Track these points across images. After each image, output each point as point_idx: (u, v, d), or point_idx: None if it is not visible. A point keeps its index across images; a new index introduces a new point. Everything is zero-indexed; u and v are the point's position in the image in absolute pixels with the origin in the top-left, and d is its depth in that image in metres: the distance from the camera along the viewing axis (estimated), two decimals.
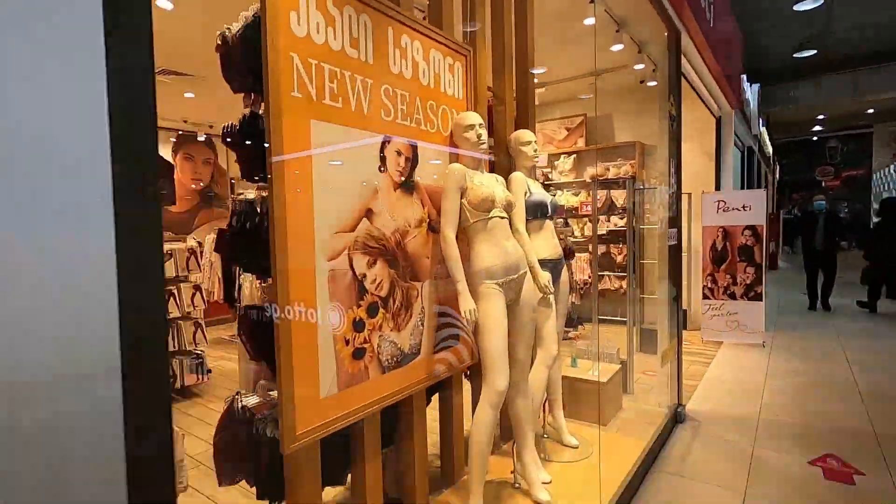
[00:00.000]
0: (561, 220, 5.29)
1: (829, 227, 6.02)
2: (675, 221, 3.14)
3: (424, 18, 1.91)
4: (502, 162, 2.22)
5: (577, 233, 5.58)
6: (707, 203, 4.97)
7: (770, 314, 5.77)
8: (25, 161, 0.45)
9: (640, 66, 4.03)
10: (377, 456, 1.62)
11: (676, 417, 2.95)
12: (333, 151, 1.36)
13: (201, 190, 6.39)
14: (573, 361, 3.04)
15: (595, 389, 2.79)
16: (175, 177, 6.46)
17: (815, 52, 8.54)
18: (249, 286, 2.19)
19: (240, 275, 2.16)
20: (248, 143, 1.49)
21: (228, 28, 1.47)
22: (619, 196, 5.12)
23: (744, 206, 4.79)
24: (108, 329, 0.49)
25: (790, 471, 2.37)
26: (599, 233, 5.37)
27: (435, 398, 2.03)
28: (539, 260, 2.02)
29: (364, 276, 1.48)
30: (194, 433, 2.81)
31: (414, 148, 1.67)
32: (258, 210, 1.49)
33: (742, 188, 7.44)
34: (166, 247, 3.11)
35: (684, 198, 5.06)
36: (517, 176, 2.09)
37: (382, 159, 1.55)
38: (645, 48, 3.63)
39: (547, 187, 5.83)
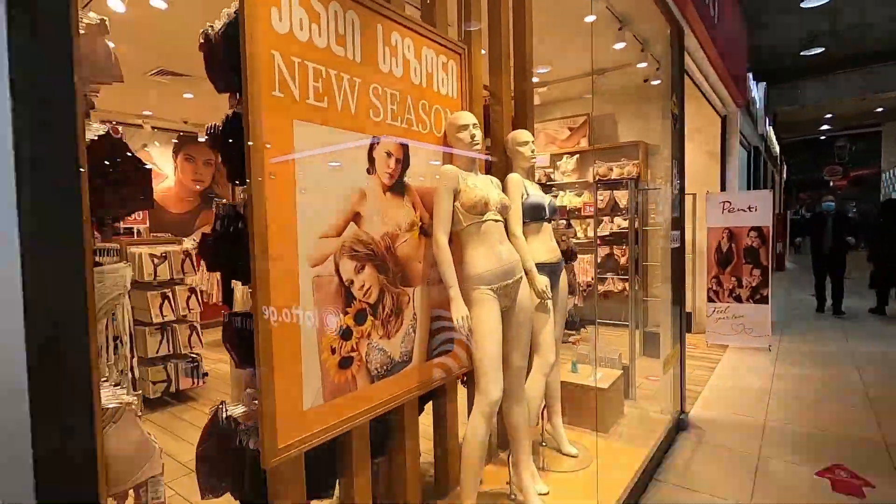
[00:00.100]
0: (563, 221, 5.22)
1: (839, 229, 5.88)
2: (678, 223, 3.07)
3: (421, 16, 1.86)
4: (500, 163, 2.16)
5: (580, 234, 5.51)
6: (712, 204, 4.88)
7: (776, 316, 5.66)
8: None
9: (643, 65, 3.96)
10: (366, 467, 1.57)
11: (679, 425, 2.88)
12: (318, 153, 1.31)
13: (202, 191, 6.38)
14: (573, 366, 2.97)
15: (597, 396, 2.72)
16: (176, 178, 6.46)
17: (823, 49, 8.40)
18: (242, 292, 2.14)
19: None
20: (232, 143, 1.44)
21: (211, 26, 1.43)
22: (623, 197, 5.04)
23: (750, 207, 4.70)
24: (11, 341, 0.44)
25: (797, 482, 2.29)
26: (603, 234, 5.30)
27: (429, 406, 1.98)
28: (536, 264, 1.96)
29: (351, 281, 1.43)
30: (186, 438, 2.77)
31: (405, 149, 1.62)
32: (242, 214, 1.44)
33: (748, 188, 7.33)
34: (161, 249, 3.08)
35: (688, 198, 4.98)
36: (513, 177, 2.03)
37: (371, 161, 1.50)
38: (648, 46, 3.56)
39: (549, 188, 5.80)
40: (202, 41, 1.45)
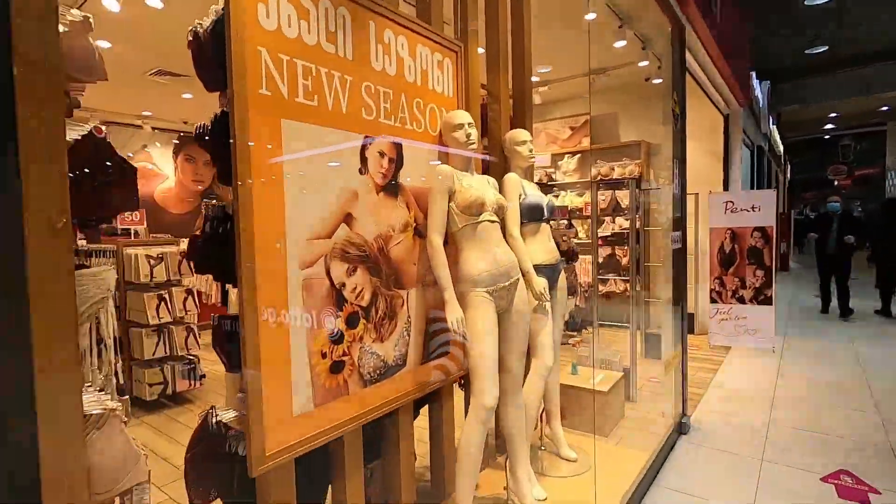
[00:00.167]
0: (564, 221, 5.18)
1: (844, 230, 5.78)
2: (679, 224, 3.03)
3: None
4: (498, 163, 2.12)
5: (581, 234, 5.46)
6: (714, 204, 4.83)
7: (780, 317, 5.61)
8: None
9: (644, 63, 3.91)
10: (359, 472, 1.54)
11: (681, 428, 2.83)
12: (307, 152, 1.28)
13: (203, 192, 6.36)
14: (573, 368, 2.93)
15: (597, 399, 2.69)
16: (177, 178, 6.45)
17: (827, 48, 8.33)
18: (236, 294, 2.12)
19: None
20: (221, 143, 1.41)
21: (200, 23, 1.40)
22: (625, 197, 4.99)
23: (753, 207, 4.65)
24: None
25: (801, 488, 2.24)
26: (605, 234, 5.25)
27: (426, 409, 1.95)
28: (534, 265, 1.93)
29: (343, 284, 1.40)
30: (182, 441, 2.75)
31: (398, 148, 1.58)
32: (231, 215, 1.41)
33: (751, 188, 7.27)
34: (158, 250, 3.06)
35: (691, 198, 4.93)
36: (511, 177, 1.99)
37: (363, 161, 1.46)
38: (649, 44, 3.52)
39: (551, 188, 5.75)
40: (191, 39, 1.43)
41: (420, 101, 1.68)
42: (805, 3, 6.47)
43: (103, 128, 1.12)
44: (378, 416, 1.52)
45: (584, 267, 4.95)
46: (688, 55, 3.37)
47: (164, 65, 3.86)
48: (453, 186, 1.65)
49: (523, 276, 1.84)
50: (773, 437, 2.76)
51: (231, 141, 1.12)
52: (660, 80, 3.25)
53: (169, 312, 3.09)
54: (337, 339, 1.38)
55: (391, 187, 1.56)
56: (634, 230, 3.57)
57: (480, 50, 2.07)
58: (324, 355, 1.34)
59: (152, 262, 2.99)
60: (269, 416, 1.19)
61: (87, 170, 1.10)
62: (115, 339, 1.17)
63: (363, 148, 1.46)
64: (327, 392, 1.35)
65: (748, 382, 3.72)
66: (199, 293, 3.82)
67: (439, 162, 1.74)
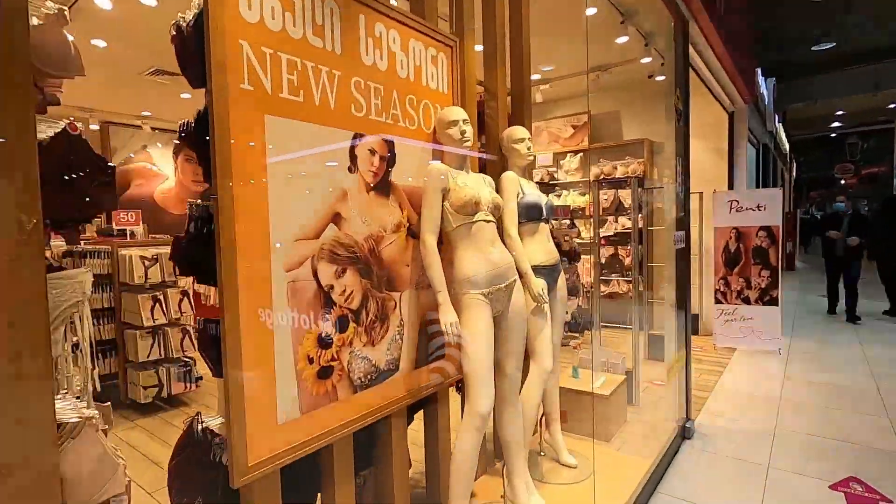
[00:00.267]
0: (566, 221, 5.12)
1: (854, 230, 5.63)
2: (682, 223, 2.96)
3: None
4: (497, 162, 2.07)
5: (584, 234, 5.40)
6: (719, 203, 4.75)
7: (787, 318, 5.52)
8: None
9: (647, 60, 3.84)
10: (350, 481, 1.49)
11: (685, 433, 2.77)
12: (292, 150, 1.23)
13: (204, 192, 6.34)
14: (574, 372, 2.87)
15: (598, 403, 2.63)
16: (177, 179, 6.43)
17: (834, 44, 8.21)
18: None
19: None
20: (205, 141, 1.37)
21: (182, 17, 1.35)
22: (628, 196, 4.92)
23: (758, 206, 4.57)
24: None
25: (809, 496, 2.17)
26: (608, 234, 5.19)
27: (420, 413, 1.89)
28: (533, 266, 1.87)
29: (331, 286, 1.35)
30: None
31: (390, 146, 1.53)
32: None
33: (756, 187, 7.17)
34: (153, 251, 3.02)
35: (695, 197, 4.86)
36: (508, 176, 1.94)
37: (353, 159, 1.41)
38: (651, 40, 3.45)
39: (553, 187, 5.69)
40: (174, 33, 1.38)
41: (413, 97, 1.63)
42: None
43: (79, 124, 1.08)
44: (369, 423, 1.47)
45: (586, 267, 4.88)
46: (691, 50, 3.30)
47: (160, 64, 3.83)
48: (447, 185, 1.60)
49: (521, 277, 1.78)
50: (780, 443, 2.69)
51: (212, 138, 1.07)
52: (663, 77, 3.18)
53: (164, 314, 3.06)
54: (325, 343, 1.33)
55: (383, 186, 1.51)
56: (637, 230, 3.50)
57: (479, 48, 2.02)
58: (311, 360, 1.29)
59: (147, 262, 2.96)
60: (251, 424, 1.14)
61: (61, 168, 1.05)
62: (91, 344, 1.12)
63: (353, 145, 1.41)
64: (315, 398, 1.30)
65: (754, 385, 3.65)
66: (198, 294, 3.78)
67: (434, 160, 1.69)
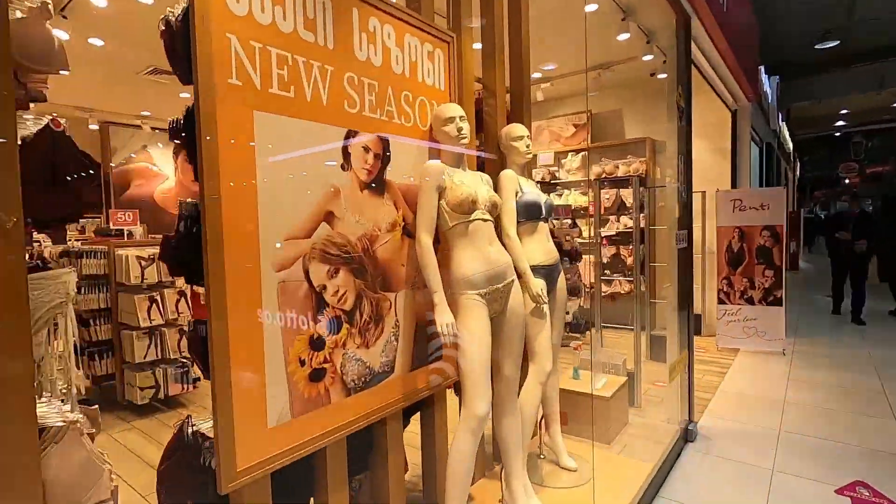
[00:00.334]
0: (568, 220, 5.08)
1: (860, 230, 5.51)
2: (684, 222, 2.92)
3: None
4: (496, 160, 2.03)
5: (585, 234, 5.36)
6: (722, 202, 4.70)
7: (791, 318, 5.46)
8: None
9: (648, 58, 3.80)
10: (343, 486, 1.46)
11: (687, 435, 2.72)
12: (282, 147, 1.20)
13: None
14: (575, 373, 2.84)
15: (599, 405, 2.59)
16: (177, 179, 6.42)
17: (838, 42, 8.14)
18: None
19: None
20: (194, 137, 1.34)
21: (171, 11, 1.32)
22: (629, 195, 4.88)
23: (762, 206, 4.52)
24: None
25: (814, 501, 2.13)
26: (610, 234, 5.14)
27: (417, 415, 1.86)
28: (532, 266, 1.84)
29: (324, 287, 1.32)
30: None
31: (384, 143, 1.50)
32: None
33: (760, 186, 7.11)
34: (149, 251, 3.00)
35: (698, 196, 4.81)
36: (507, 174, 1.91)
37: (346, 156, 1.38)
38: (653, 38, 3.41)
39: (554, 186, 5.64)
40: (163, 28, 1.35)
41: (409, 93, 1.59)
42: None
43: (62, 121, 1.05)
44: (364, 426, 1.44)
45: (587, 268, 4.84)
46: (694, 48, 3.26)
47: (158, 63, 3.81)
48: (443, 183, 1.56)
49: (519, 277, 1.75)
50: (784, 445, 2.65)
51: (198, 135, 1.04)
52: (665, 75, 3.14)
53: (161, 315, 3.03)
54: (317, 345, 1.30)
55: (377, 184, 1.48)
56: (639, 229, 3.46)
57: (477, 45, 1.98)
58: (302, 362, 1.26)
59: (143, 263, 2.93)
60: (241, 428, 1.11)
61: (44, 165, 1.03)
62: (75, 346, 1.10)
63: (346, 142, 1.37)
64: (307, 402, 1.27)
65: (757, 387, 3.60)
66: (196, 295, 3.76)
67: (431, 158, 1.66)
